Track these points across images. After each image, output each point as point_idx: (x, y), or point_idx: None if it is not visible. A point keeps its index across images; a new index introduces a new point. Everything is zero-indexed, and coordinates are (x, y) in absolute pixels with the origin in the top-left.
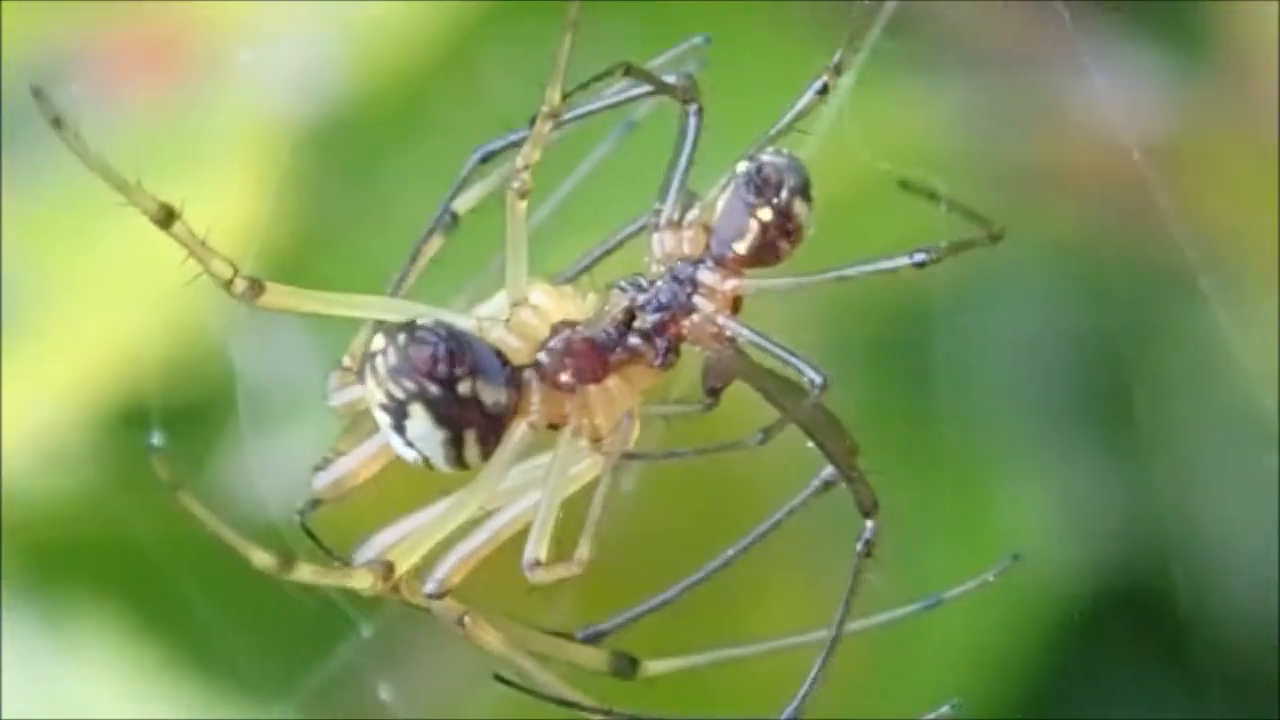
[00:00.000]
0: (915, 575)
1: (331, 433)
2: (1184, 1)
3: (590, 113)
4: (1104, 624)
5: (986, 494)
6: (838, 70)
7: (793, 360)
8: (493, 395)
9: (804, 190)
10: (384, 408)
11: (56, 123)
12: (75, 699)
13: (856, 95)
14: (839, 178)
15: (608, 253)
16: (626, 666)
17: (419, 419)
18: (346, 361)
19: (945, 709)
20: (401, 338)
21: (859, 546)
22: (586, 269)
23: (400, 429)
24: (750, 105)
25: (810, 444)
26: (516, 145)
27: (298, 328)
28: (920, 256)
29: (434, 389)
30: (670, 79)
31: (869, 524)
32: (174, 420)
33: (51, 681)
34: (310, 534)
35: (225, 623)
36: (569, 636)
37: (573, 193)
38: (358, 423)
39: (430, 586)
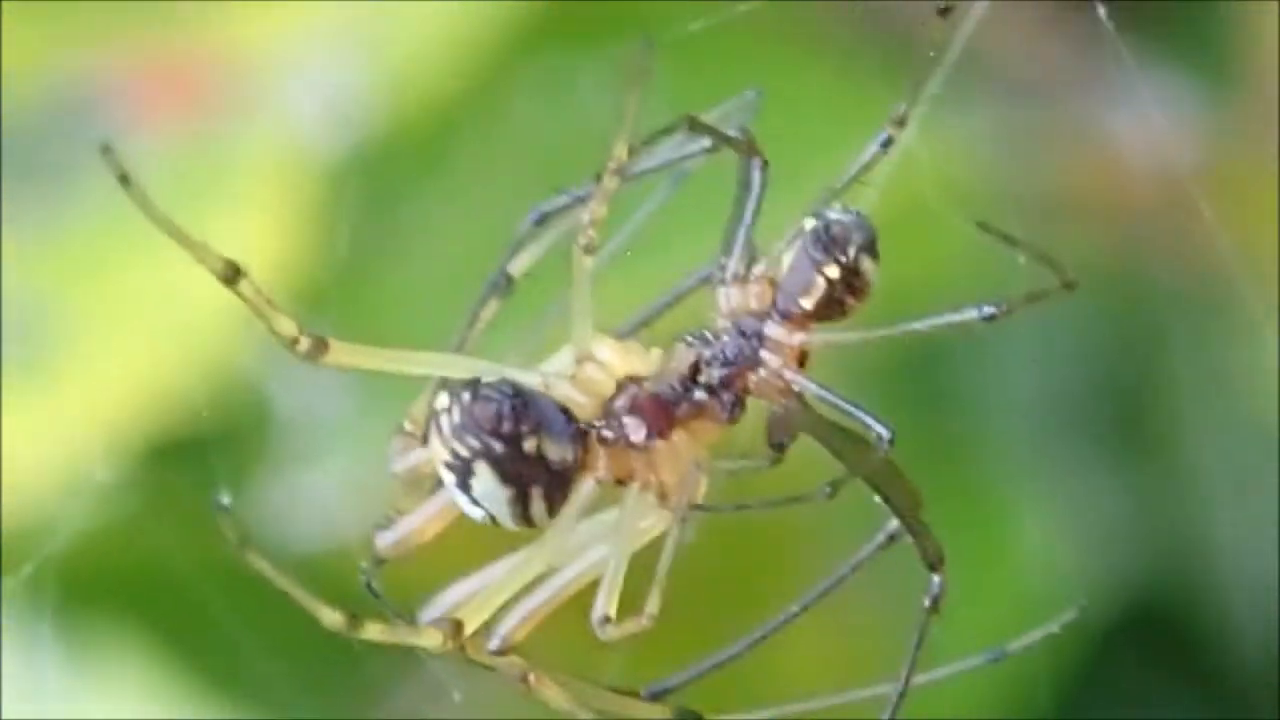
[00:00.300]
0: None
1: (362, 463)
2: (1216, 25)
3: (654, 168)
4: (1117, 638)
5: (1000, 512)
6: (900, 122)
7: (858, 414)
8: (558, 452)
9: (871, 248)
10: (449, 466)
11: (124, 179)
12: None
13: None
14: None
15: (668, 306)
16: None
17: (484, 477)
18: (408, 426)
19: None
20: (466, 395)
21: (926, 602)
22: (646, 323)
23: (465, 487)
24: (806, 153)
25: (876, 499)
26: (570, 205)
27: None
28: (989, 310)
29: (499, 447)
30: (733, 131)
31: (935, 579)
32: (204, 453)
33: (82, 712)
34: (375, 594)
35: (256, 649)
36: (634, 694)
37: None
38: (418, 482)
39: (494, 644)
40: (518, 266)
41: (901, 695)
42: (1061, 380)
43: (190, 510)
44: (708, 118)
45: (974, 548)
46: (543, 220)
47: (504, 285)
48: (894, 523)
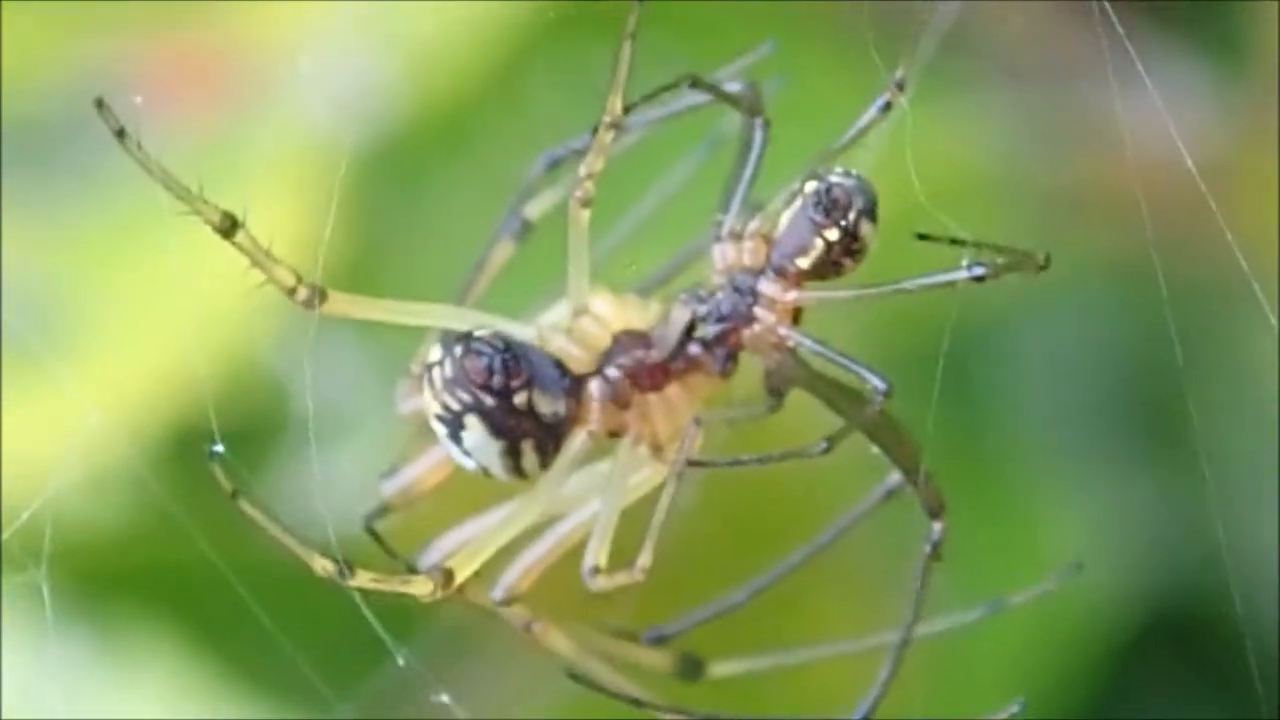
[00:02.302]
0: (960, 593)
1: (381, 449)
2: (1228, 16)
3: (653, 122)
4: (1150, 640)
5: (1031, 510)
6: (900, 86)
7: (854, 368)
8: (550, 406)
9: (871, 211)
10: (440, 419)
11: (120, 133)
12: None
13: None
14: (896, 189)
15: (684, 266)
16: (693, 668)
17: (475, 430)
18: (414, 369)
19: (1014, 708)
20: (458, 349)
21: (926, 549)
22: (663, 282)
23: (457, 439)
24: (812, 116)
25: (875, 450)
26: (582, 153)
27: (347, 346)
28: (978, 270)
29: (489, 400)
30: (735, 87)
31: (936, 526)
32: (225, 439)
33: (105, 701)
34: (376, 537)
35: (281, 637)
36: (635, 639)
37: (660, 205)
38: (424, 430)
39: (499, 594)
40: (534, 210)
41: (904, 644)
42: (1088, 378)
43: (210, 499)
44: (724, 72)
45: (1000, 545)
46: (555, 165)
47: (518, 228)
48: (895, 476)
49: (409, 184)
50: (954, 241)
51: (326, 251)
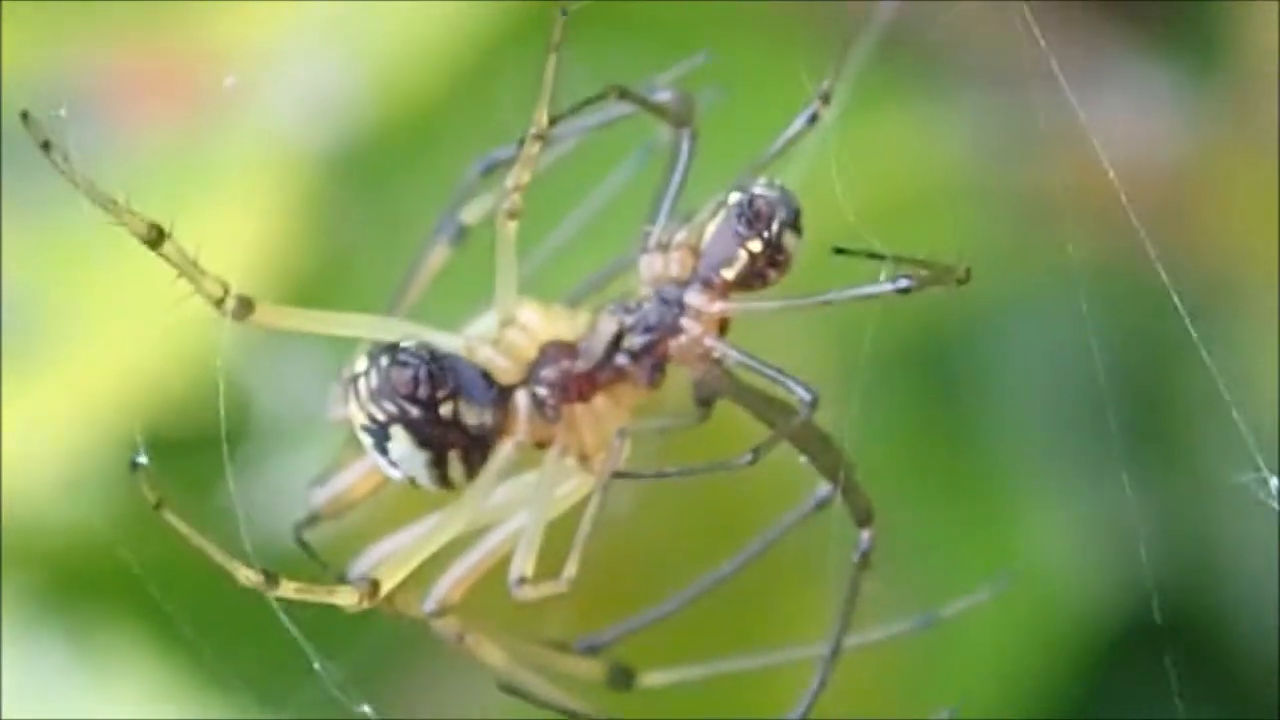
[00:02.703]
0: (935, 597)
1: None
2: (1195, 18)
3: (580, 132)
4: (1125, 644)
5: (1007, 515)
6: (825, 99)
7: (781, 379)
8: (476, 417)
9: (794, 223)
10: (366, 429)
11: (45, 146)
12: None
13: (869, 119)
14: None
15: (614, 276)
16: (623, 678)
17: (401, 440)
18: (345, 373)
19: (944, 713)
20: (383, 360)
21: (855, 557)
22: (593, 292)
23: (383, 450)
24: (748, 124)
25: (803, 460)
26: (516, 156)
27: (309, 353)
28: (902, 283)
29: (414, 411)
30: (665, 95)
31: (864, 534)
32: (193, 444)
33: (77, 703)
34: (305, 547)
35: (236, 641)
36: (567, 649)
37: (594, 215)
38: (353, 439)
39: (430, 605)
40: (470, 214)
41: (833, 655)
42: (1070, 380)
43: (180, 504)
44: (661, 78)
45: (984, 546)
46: (490, 169)
47: (454, 232)
48: (825, 486)
49: (375, 190)
50: (872, 256)
51: (291, 258)
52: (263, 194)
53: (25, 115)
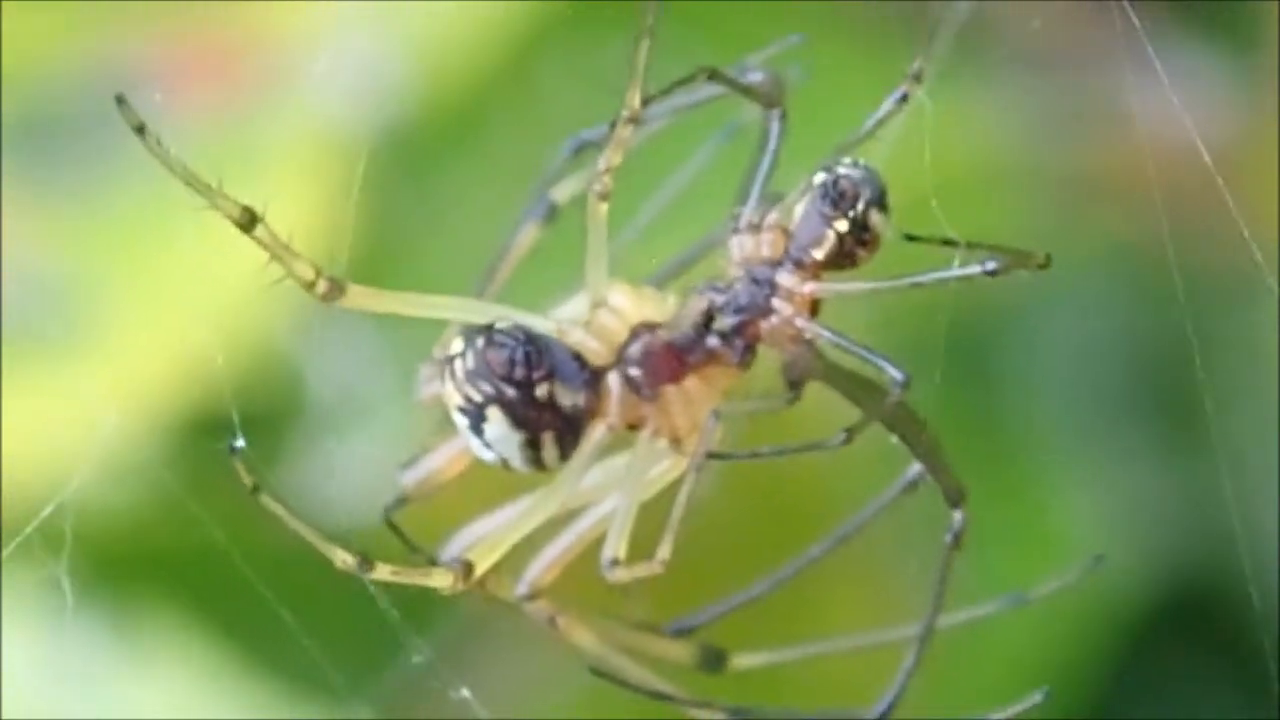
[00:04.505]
0: (974, 578)
1: (399, 436)
2: (1243, 6)
3: (672, 114)
4: (1165, 628)
5: (1046, 498)
6: (917, 78)
7: (873, 359)
8: (570, 398)
9: (880, 201)
10: (462, 410)
11: (140, 129)
12: (146, 706)
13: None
14: (918, 175)
15: (701, 256)
16: (715, 660)
17: (496, 422)
18: (437, 353)
19: (1036, 697)
20: (479, 341)
21: (948, 538)
22: (679, 273)
23: (478, 431)
24: (837, 105)
25: (895, 440)
26: (602, 145)
27: (364, 336)
28: (990, 265)
29: (511, 392)
30: (757, 76)
31: (956, 515)
32: (242, 428)
33: (120, 688)
34: (395, 529)
35: (300, 626)
36: (658, 632)
37: (678, 195)
38: (443, 421)
39: (522, 589)
40: (561, 193)
41: (926, 636)
42: (1104, 363)
43: (226, 488)
44: (746, 62)
45: (1016, 529)
46: (581, 149)
47: (545, 211)
48: (915, 467)
49: (424, 175)
50: (946, 242)
51: (340, 243)
52: (312, 181)
53: (120, 99)
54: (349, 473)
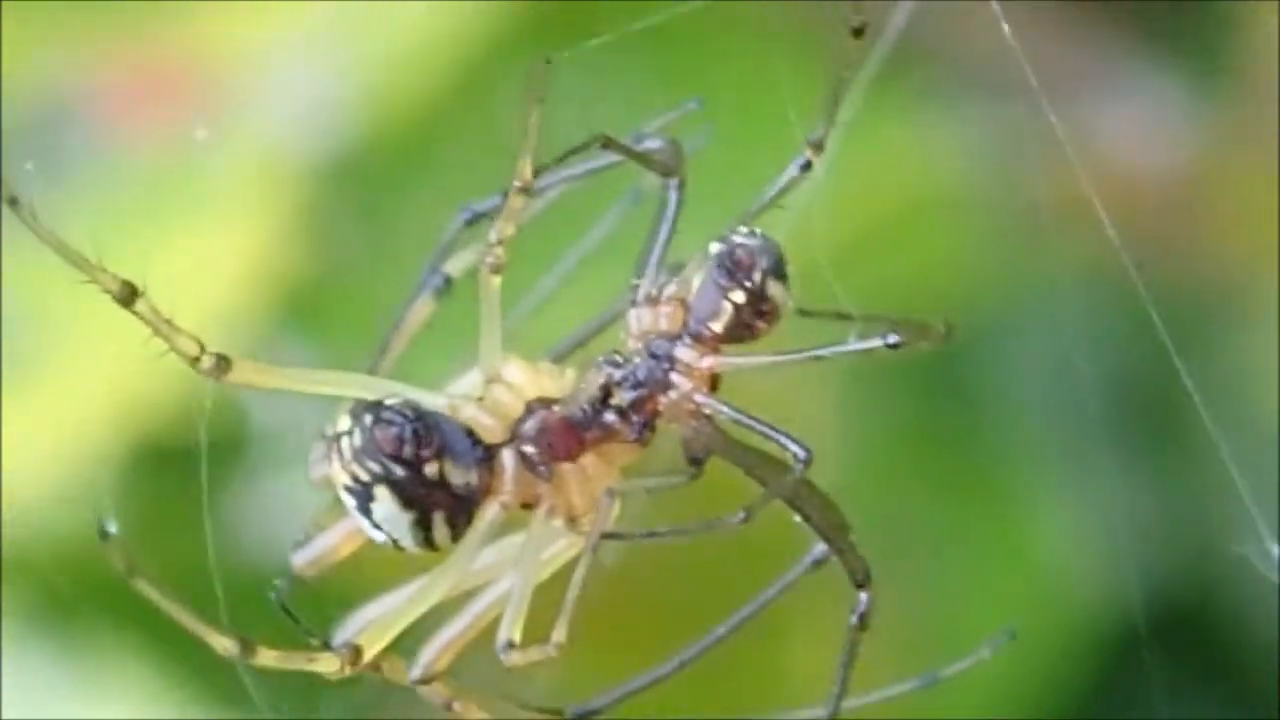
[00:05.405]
0: (951, 598)
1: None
2: (1212, 27)
3: (566, 181)
4: (1146, 646)
5: (1021, 515)
6: (818, 146)
7: (774, 435)
8: (462, 476)
9: (778, 270)
10: (349, 490)
11: (12, 202)
12: None
13: (876, 126)
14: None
15: (601, 329)
16: None
17: (385, 501)
18: (329, 432)
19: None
20: (367, 418)
21: (853, 619)
22: (579, 345)
23: (366, 511)
24: (742, 166)
25: (797, 520)
26: (501, 205)
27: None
28: (893, 339)
29: (399, 471)
30: (654, 144)
31: (862, 596)
32: (185, 456)
33: (69, 711)
34: (288, 612)
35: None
36: (560, 715)
37: (577, 265)
38: (336, 500)
39: (416, 673)
40: (455, 266)
41: (831, 717)
42: (1080, 378)
43: (178, 515)
44: (656, 124)
45: (991, 545)
46: (474, 219)
47: (439, 285)
48: (819, 547)
49: (370, 199)
50: (841, 317)
51: (286, 267)
52: (256, 204)
53: None
54: (291, 506)
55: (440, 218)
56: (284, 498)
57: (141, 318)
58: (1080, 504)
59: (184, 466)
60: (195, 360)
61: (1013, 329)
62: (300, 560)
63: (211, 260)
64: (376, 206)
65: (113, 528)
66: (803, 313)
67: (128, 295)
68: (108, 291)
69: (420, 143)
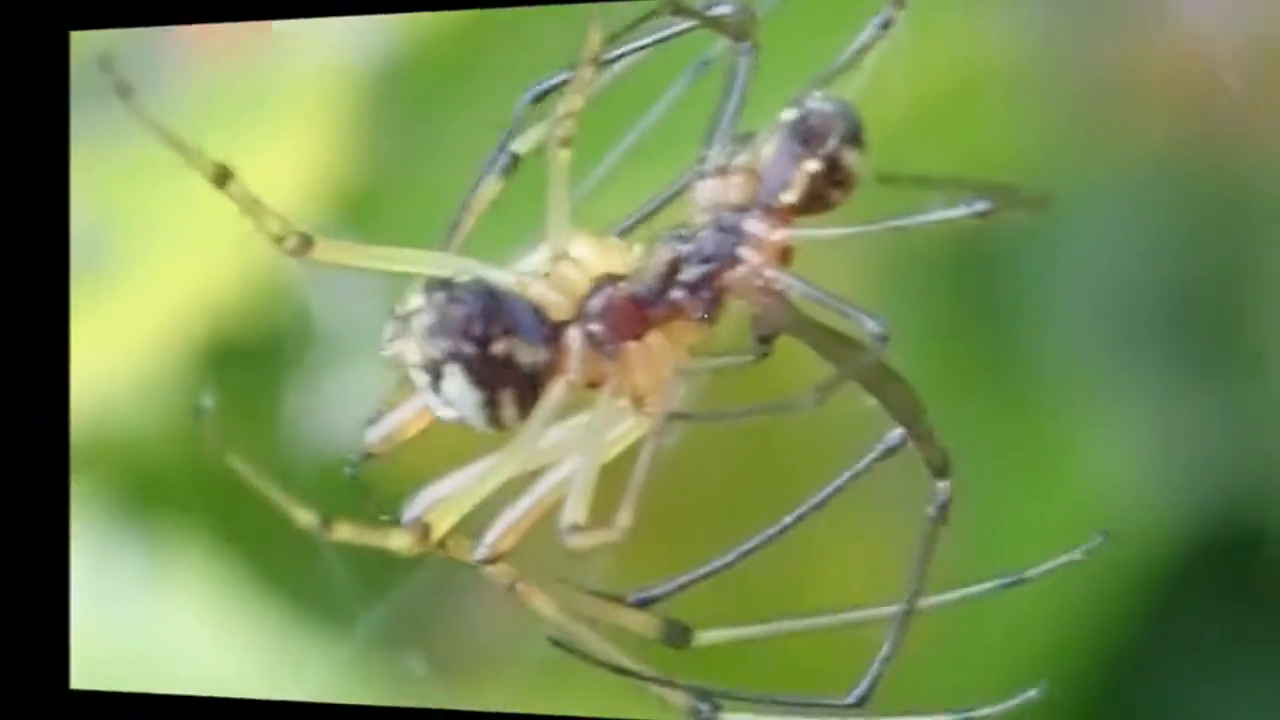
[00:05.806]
0: (991, 526)
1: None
2: None
3: (635, 52)
4: (1202, 576)
5: (1068, 440)
6: (899, 2)
7: (848, 311)
8: (529, 355)
9: (854, 138)
10: (420, 366)
11: (123, 90)
12: (163, 619)
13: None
14: (895, 103)
15: (669, 203)
16: (679, 635)
17: (454, 379)
18: (400, 310)
19: (1032, 693)
20: (438, 296)
21: (931, 511)
22: (643, 221)
23: (436, 388)
24: (814, 36)
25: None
26: (567, 83)
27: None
28: (981, 205)
29: (468, 349)
30: (725, 8)
31: (941, 485)
32: (248, 360)
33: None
34: (361, 486)
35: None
36: (621, 601)
37: (644, 140)
38: (408, 377)
39: (481, 552)
40: (522, 145)
41: (906, 618)
42: (1130, 285)
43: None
44: None
45: (1033, 471)
46: (540, 98)
47: (507, 163)
48: (895, 432)
49: (422, 107)
50: (919, 182)
51: (343, 176)
52: (310, 114)
53: (104, 60)
54: (350, 405)
55: (496, 122)
56: (350, 393)
57: (232, 197)
58: (1130, 422)
59: (253, 364)
60: (279, 239)
61: (1059, 224)
62: (373, 436)
63: (270, 169)
64: (427, 113)
65: (209, 403)
66: (881, 179)
67: (220, 176)
68: (202, 173)
69: (465, 51)
